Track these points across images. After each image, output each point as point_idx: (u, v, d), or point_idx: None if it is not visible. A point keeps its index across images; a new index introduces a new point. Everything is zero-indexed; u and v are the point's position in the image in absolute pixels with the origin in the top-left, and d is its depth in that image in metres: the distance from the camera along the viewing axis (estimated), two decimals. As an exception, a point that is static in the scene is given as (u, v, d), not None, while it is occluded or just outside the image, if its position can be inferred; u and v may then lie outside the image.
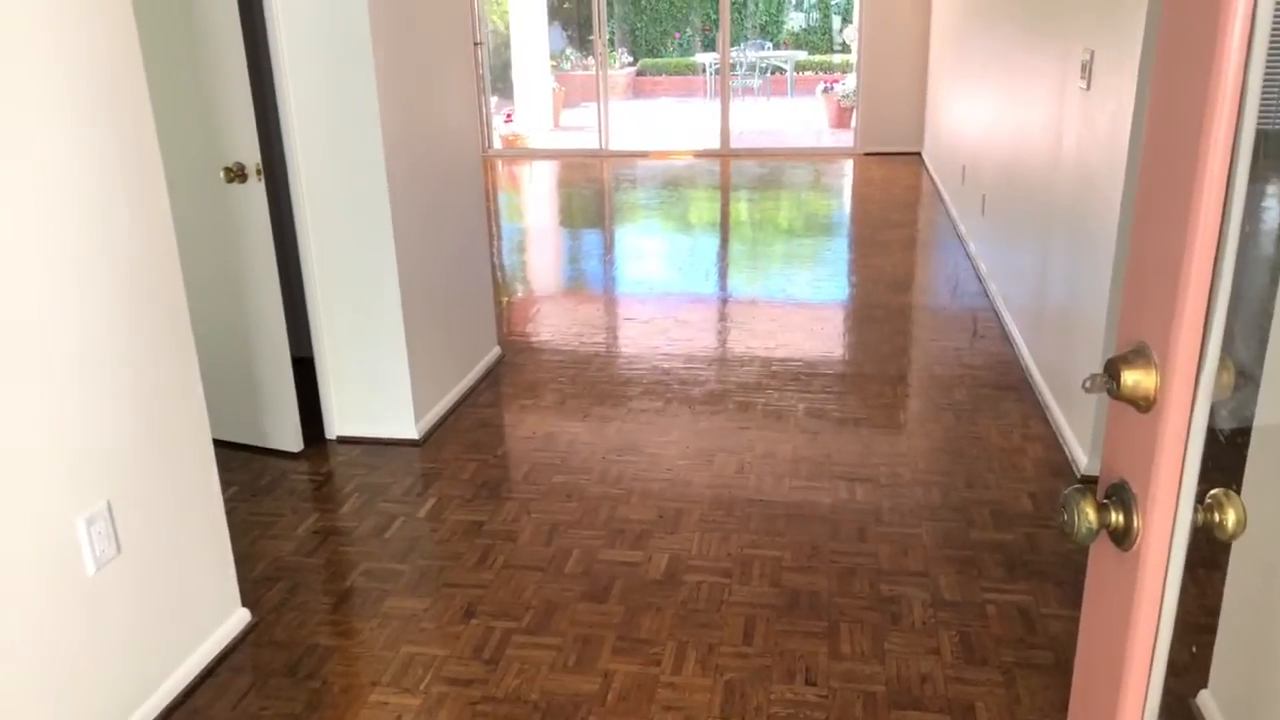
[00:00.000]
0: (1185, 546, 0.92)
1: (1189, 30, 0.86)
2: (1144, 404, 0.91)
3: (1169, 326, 0.88)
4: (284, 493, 3.11)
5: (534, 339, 4.48)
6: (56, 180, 1.84)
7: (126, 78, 2.02)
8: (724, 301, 5.06)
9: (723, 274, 5.60)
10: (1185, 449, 0.89)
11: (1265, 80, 0.83)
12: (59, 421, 1.86)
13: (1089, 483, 3.05)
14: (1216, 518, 0.93)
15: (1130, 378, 0.91)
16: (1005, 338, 4.23)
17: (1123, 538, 0.95)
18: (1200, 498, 0.93)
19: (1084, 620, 1.10)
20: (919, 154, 8.92)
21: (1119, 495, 0.96)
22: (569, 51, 14.01)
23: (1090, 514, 0.95)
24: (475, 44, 9.37)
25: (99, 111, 1.94)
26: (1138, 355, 0.92)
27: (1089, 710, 1.10)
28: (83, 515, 1.92)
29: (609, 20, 11.94)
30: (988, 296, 4.80)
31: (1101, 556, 1.02)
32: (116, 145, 1.99)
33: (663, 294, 5.15)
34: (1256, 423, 1.83)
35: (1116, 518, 0.95)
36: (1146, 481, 0.91)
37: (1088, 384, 0.95)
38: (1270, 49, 0.83)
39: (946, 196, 6.89)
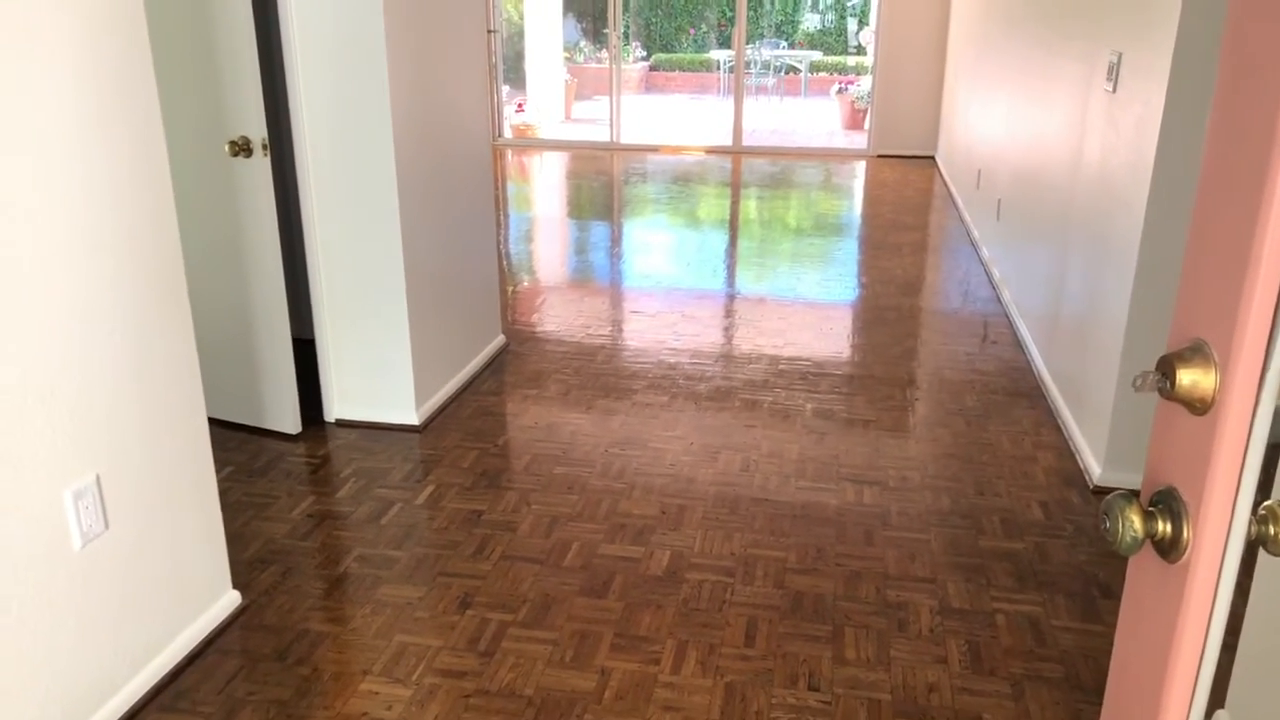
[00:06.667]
0: (1238, 561, 0.86)
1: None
2: (1200, 406, 0.85)
3: (1232, 323, 0.81)
4: (280, 474, 3.05)
5: (539, 329, 4.42)
6: (53, 147, 1.78)
7: (129, 44, 1.96)
8: (732, 298, 4.99)
9: (731, 271, 5.54)
10: (1245, 455, 0.82)
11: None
12: (49, 392, 1.80)
13: (1101, 493, 2.98)
14: (1271, 530, 0.87)
15: (1187, 377, 0.84)
16: (1018, 344, 4.17)
17: (1169, 549, 0.89)
18: (1252, 509, 0.87)
19: (1120, 634, 1.04)
20: (933, 157, 8.85)
21: (1167, 503, 0.90)
22: (583, 44, 13.95)
23: (1136, 522, 0.89)
24: (489, 31, 9.30)
25: (99, 77, 1.88)
26: (1195, 353, 0.85)
27: (1120, 730, 1.04)
28: (70, 488, 1.86)
29: (624, 14, 11.88)
30: (1000, 302, 4.73)
31: (1144, 568, 0.96)
32: (117, 113, 1.93)
33: (670, 289, 5.09)
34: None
35: (1164, 527, 0.89)
36: (1200, 489, 0.85)
37: (1138, 382, 0.88)
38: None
39: (960, 201, 6.82)
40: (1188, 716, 0.91)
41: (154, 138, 2.04)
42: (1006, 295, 4.68)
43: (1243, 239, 0.81)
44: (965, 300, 4.84)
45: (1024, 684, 2.14)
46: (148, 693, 2.09)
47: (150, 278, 2.05)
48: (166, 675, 2.14)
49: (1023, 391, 3.68)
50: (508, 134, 10.24)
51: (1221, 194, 0.86)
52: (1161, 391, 0.87)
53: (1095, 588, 2.48)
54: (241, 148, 2.99)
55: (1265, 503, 0.88)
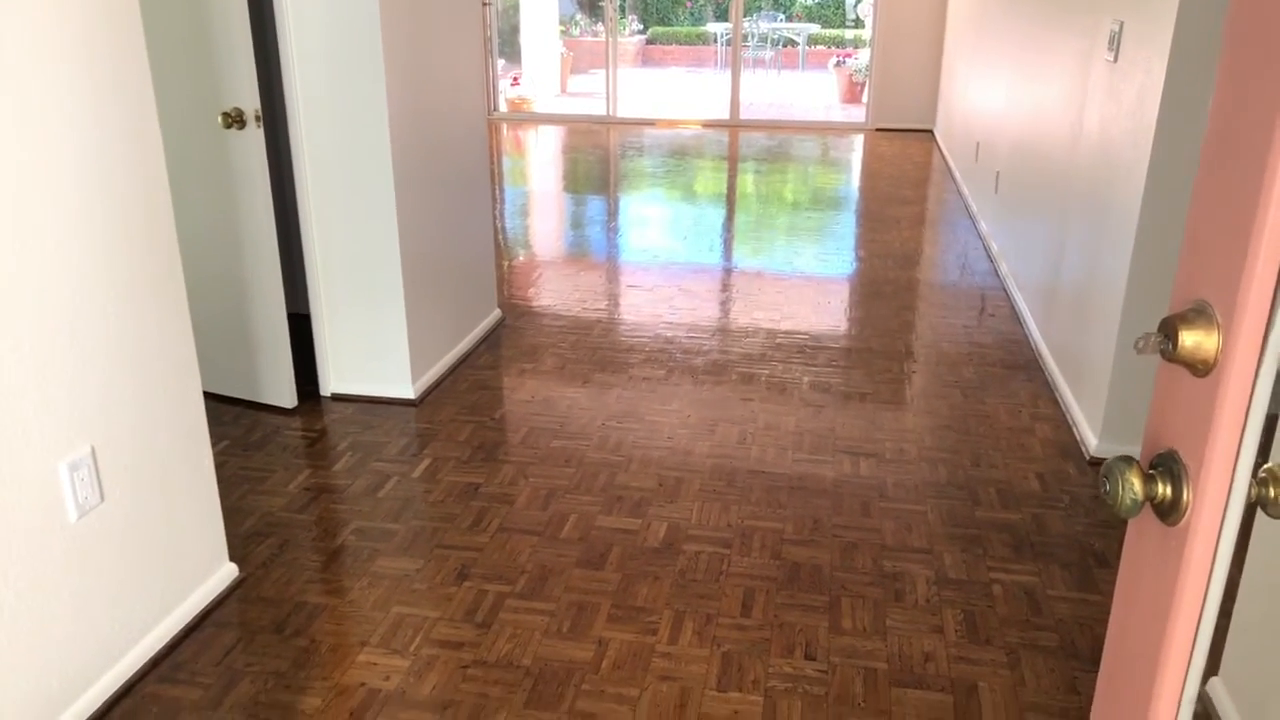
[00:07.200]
0: (1238, 523, 0.85)
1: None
2: (1202, 368, 0.84)
3: (1236, 284, 0.80)
4: (276, 448, 3.05)
5: (535, 303, 4.41)
6: (43, 118, 1.76)
7: (121, 13, 1.93)
8: (729, 272, 4.98)
9: (728, 245, 5.51)
10: (1246, 417, 0.82)
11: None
12: (44, 364, 1.79)
13: (1098, 465, 2.99)
14: (1271, 492, 0.86)
15: (1190, 338, 0.84)
16: (1015, 317, 4.16)
17: (1169, 511, 0.88)
18: (1252, 471, 0.86)
19: (1118, 599, 1.04)
20: (931, 131, 8.80)
21: (1167, 466, 0.89)
22: (578, 17, 13.83)
23: (1136, 485, 0.88)
24: (484, 4, 9.20)
25: (91, 48, 1.85)
26: (1198, 315, 0.84)
27: (1117, 694, 1.04)
28: (65, 460, 1.85)
29: (620, -14, 11.75)
30: (998, 275, 4.72)
31: (1143, 531, 0.96)
32: (109, 84, 1.91)
33: (667, 263, 5.07)
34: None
35: (1164, 490, 0.88)
36: (1200, 451, 0.84)
37: (1140, 344, 0.87)
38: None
39: (958, 174, 6.79)
40: (1184, 682, 0.90)
41: (146, 110, 2.02)
42: (1004, 268, 4.66)
43: (1247, 199, 0.80)
44: (963, 273, 4.82)
45: (1020, 653, 2.14)
46: (145, 664, 2.09)
47: (144, 251, 2.03)
48: (164, 647, 2.15)
49: (1020, 364, 3.68)
50: (503, 108, 10.17)
51: (1226, 153, 0.84)
52: (1163, 353, 0.87)
53: (1091, 558, 2.48)
54: (234, 119, 2.96)
55: (1265, 465, 0.88)
